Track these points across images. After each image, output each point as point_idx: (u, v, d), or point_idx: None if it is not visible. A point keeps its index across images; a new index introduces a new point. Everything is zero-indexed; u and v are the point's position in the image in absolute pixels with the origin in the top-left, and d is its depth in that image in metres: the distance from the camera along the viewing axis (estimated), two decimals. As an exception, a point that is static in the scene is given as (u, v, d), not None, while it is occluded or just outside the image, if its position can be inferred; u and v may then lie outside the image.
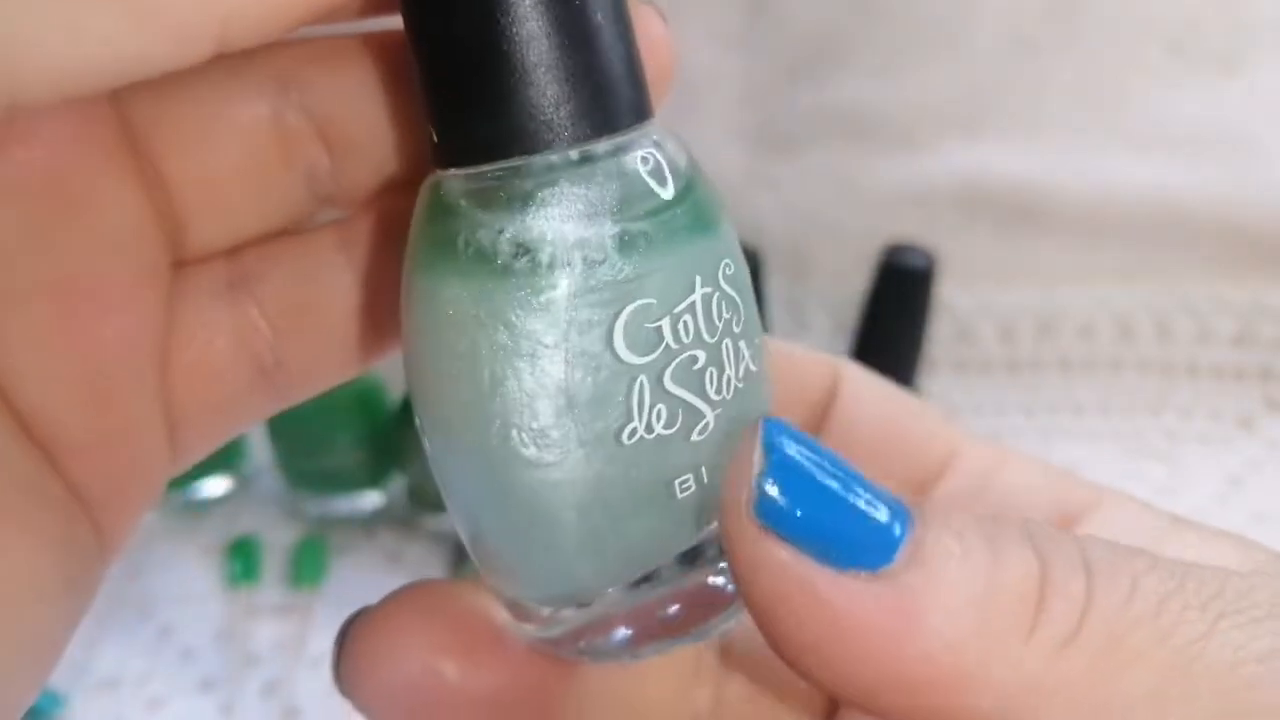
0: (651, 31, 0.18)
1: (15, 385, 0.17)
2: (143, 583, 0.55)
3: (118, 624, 0.53)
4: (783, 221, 0.61)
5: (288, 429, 0.55)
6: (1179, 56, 0.57)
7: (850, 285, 0.55)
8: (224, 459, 0.59)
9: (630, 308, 0.17)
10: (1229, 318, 0.61)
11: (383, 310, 0.20)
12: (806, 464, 0.16)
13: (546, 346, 0.17)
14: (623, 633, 0.19)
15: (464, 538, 0.19)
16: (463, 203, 0.17)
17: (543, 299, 0.17)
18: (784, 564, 0.16)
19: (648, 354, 0.17)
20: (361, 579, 0.55)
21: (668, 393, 0.17)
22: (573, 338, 0.17)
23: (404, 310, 0.18)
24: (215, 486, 0.59)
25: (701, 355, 0.17)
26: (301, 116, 0.19)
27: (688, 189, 0.18)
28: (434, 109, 0.17)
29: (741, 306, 0.18)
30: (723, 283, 0.18)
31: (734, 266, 0.18)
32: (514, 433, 0.17)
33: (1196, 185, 0.58)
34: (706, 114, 0.59)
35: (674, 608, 0.19)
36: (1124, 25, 0.57)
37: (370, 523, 0.57)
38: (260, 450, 0.60)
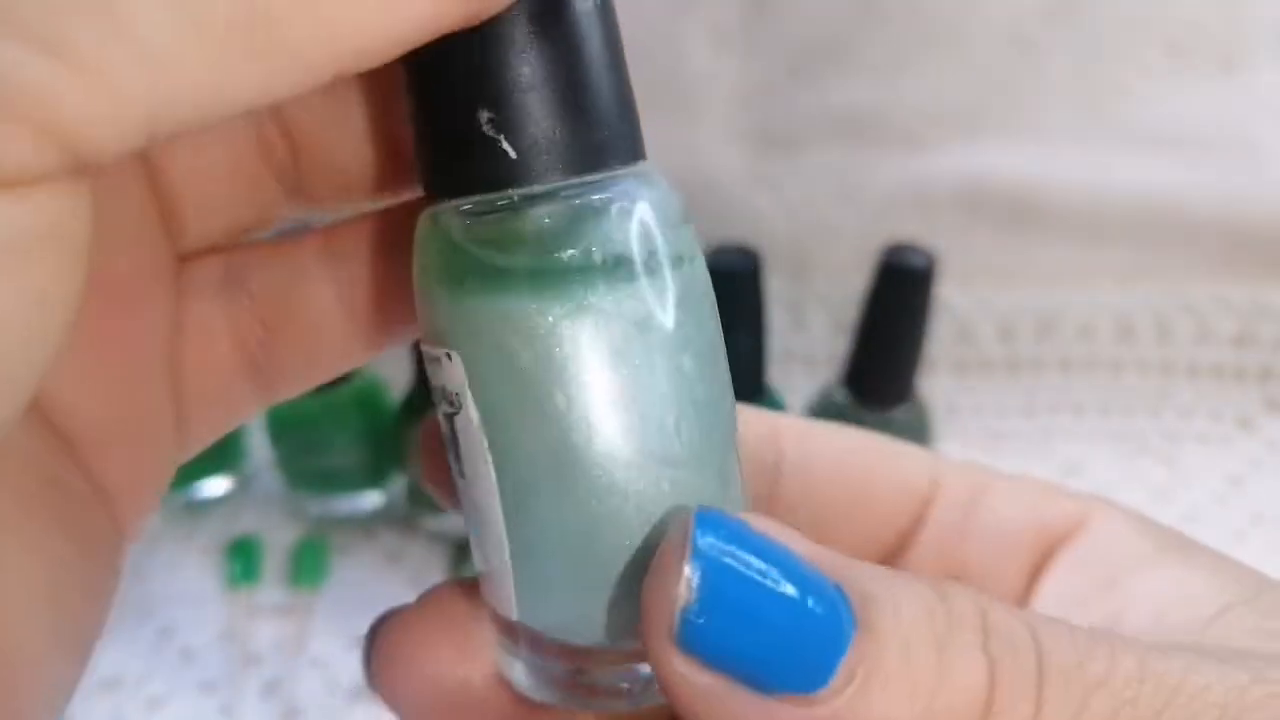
0: None
1: (45, 387, 0.17)
2: (143, 583, 0.55)
3: (118, 624, 0.53)
4: (783, 221, 0.61)
5: (288, 429, 0.55)
6: (1179, 56, 0.57)
7: (850, 285, 0.55)
8: (224, 459, 0.59)
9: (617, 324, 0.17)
10: (1229, 318, 0.61)
11: (365, 314, 0.21)
12: (736, 581, 0.15)
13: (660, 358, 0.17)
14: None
15: (503, 558, 0.18)
16: (464, 239, 0.17)
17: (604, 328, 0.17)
18: (710, 692, 0.15)
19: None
20: (362, 579, 0.55)
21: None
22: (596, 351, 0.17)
23: (449, 333, 0.18)
24: (215, 486, 0.59)
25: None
26: (278, 131, 0.20)
27: (671, 263, 0.17)
28: (433, 140, 0.17)
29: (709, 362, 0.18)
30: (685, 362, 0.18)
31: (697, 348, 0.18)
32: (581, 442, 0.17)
33: (1196, 185, 0.58)
34: (706, 114, 0.59)
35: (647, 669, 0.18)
36: (1124, 25, 0.57)
37: (370, 523, 0.57)
38: (260, 450, 0.60)
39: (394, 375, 0.55)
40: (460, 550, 0.55)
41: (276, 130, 0.20)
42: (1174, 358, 0.62)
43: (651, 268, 0.17)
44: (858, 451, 0.24)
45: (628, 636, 0.17)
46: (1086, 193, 0.59)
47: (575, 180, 0.17)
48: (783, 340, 0.61)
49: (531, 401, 0.17)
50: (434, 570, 0.55)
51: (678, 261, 0.17)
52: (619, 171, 0.17)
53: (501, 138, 0.16)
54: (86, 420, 0.18)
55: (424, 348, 0.18)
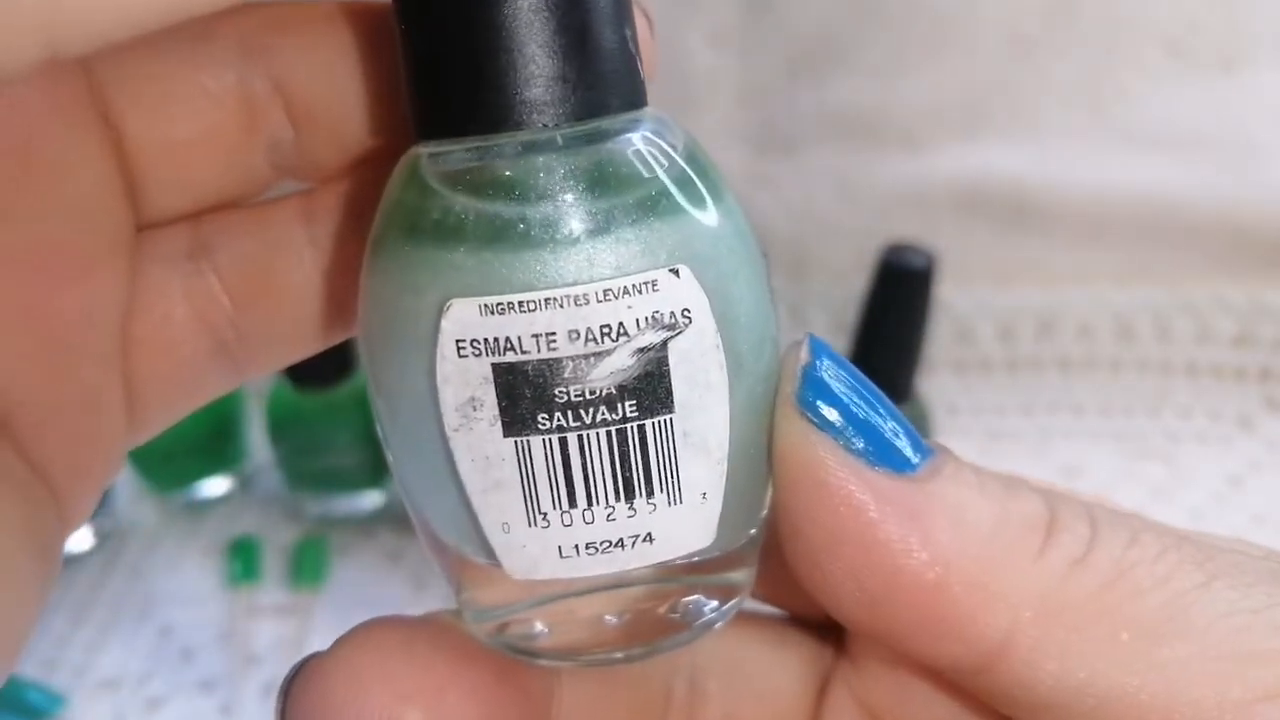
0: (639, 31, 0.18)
1: None
2: (143, 583, 0.55)
3: (118, 624, 0.53)
4: (783, 221, 0.61)
5: (288, 429, 0.55)
6: (1178, 57, 0.57)
7: (850, 285, 0.55)
8: (224, 459, 0.59)
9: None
10: (1229, 318, 0.61)
11: (344, 287, 0.20)
12: (845, 372, 0.18)
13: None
14: (539, 629, 0.18)
15: (715, 485, 0.18)
16: (437, 179, 0.17)
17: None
18: (822, 452, 0.17)
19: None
20: (361, 579, 0.55)
21: None
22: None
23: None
24: (215, 486, 0.59)
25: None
26: (267, 86, 0.19)
27: (680, 173, 0.17)
28: (416, 80, 0.17)
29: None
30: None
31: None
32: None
33: (1196, 185, 0.58)
34: (706, 114, 0.59)
35: (614, 618, 0.18)
36: (1124, 25, 0.57)
37: (370, 523, 0.57)
38: (260, 450, 0.60)
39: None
40: (460, 550, 0.56)
41: (267, 89, 0.19)
42: (1174, 358, 0.62)
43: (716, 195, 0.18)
44: None
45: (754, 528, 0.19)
46: (1086, 193, 0.59)
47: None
48: (782, 340, 0.61)
49: (749, 309, 0.18)
50: (434, 570, 0.55)
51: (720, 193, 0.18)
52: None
53: None
54: (21, 400, 0.17)
55: (597, 285, 0.17)
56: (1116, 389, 0.62)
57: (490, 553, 0.18)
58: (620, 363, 0.17)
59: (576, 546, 0.17)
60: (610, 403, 0.17)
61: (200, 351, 0.19)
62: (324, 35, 0.19)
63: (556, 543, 0.17)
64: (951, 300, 0.60)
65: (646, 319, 0.16)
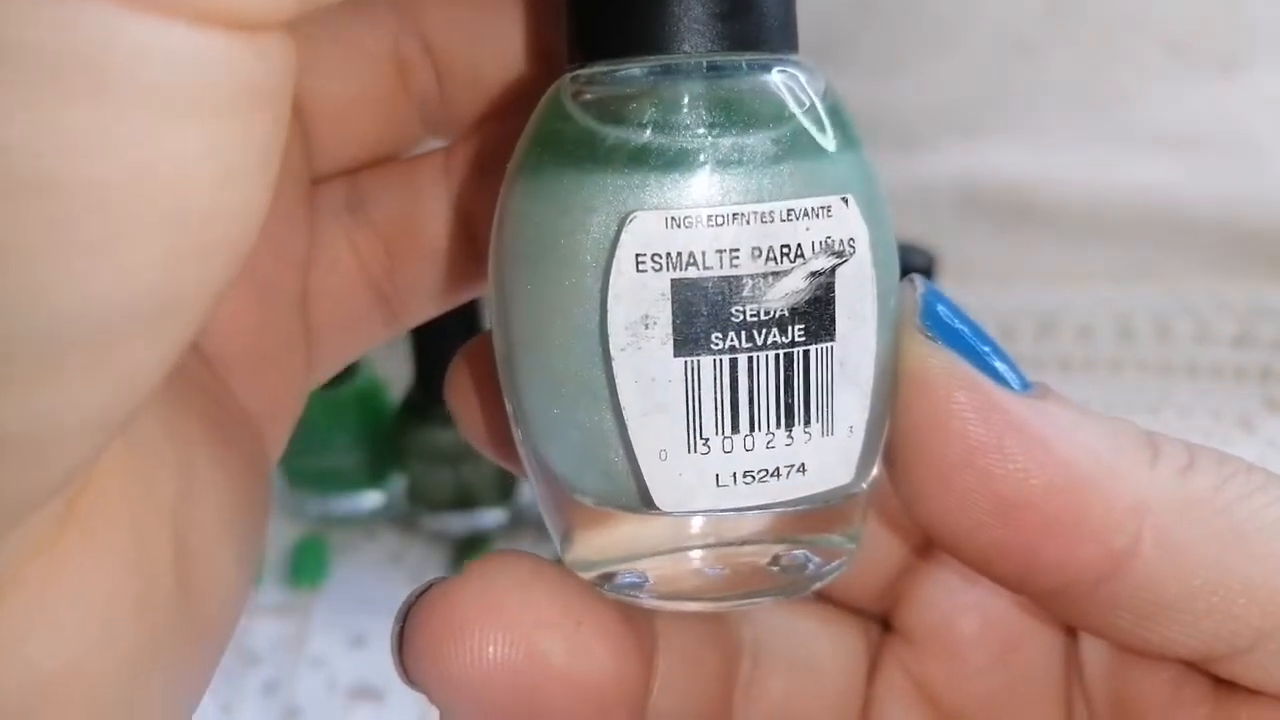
0: None
1: None
2: (143, 583, 0.55)
3: (118, 624, 0.53)
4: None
5: (288, 429, 0.55)
6: (1179, 57, 0.57)
7: (850, 285, 0.55)
8: (224, 459, 0.59)
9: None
10: (1229, 318, 0.61)
11: (481, 240, 0.20)
12: (954, 306, 0.18)
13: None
14: (645, 575, 0.18)
15: (860, 421, 0.18)
16: (596, 102, 0.17)
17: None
18: (951, 367, 0.17)
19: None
20: (361, 579, 0.55)
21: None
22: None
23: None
24: (215, 486, 0.59)
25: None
26: (419, 45, 0.20)
27: (834, 115, 0.18)
28: (577, 4, 0.17)
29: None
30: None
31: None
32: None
33: (1196, 185, 0.58)
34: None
35: (717, 570, 0.18)
36: (1124, 25, 0.57)
37: (370, 523, 0.57)
38: (260, 450, 0.60)
39: (394, 375, 0.55)
40: (459, 550, 0.56)
41: (418, 48, 0.20)
42: (1174, 358, 0.62)
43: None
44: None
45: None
46: (1086, 193, 0.59)
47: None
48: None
49: (889, 250, 0.18)
50: (434, 570, 0.55)
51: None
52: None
53: None
54: (232, 343, 0.18)
55: (782, 204, 0.17)
56: (1116, 389, 0.62)
57: (639, 485, 0.17)
58: (795, 284, 0.17)
59: (735, 475, 0.17)
60: (782, 325, 0.17)
61: (364, 299, 0.20)
62: None
63: (715, 470, 0.17)
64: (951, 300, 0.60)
65: (821, 243, 0.17)
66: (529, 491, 0.56)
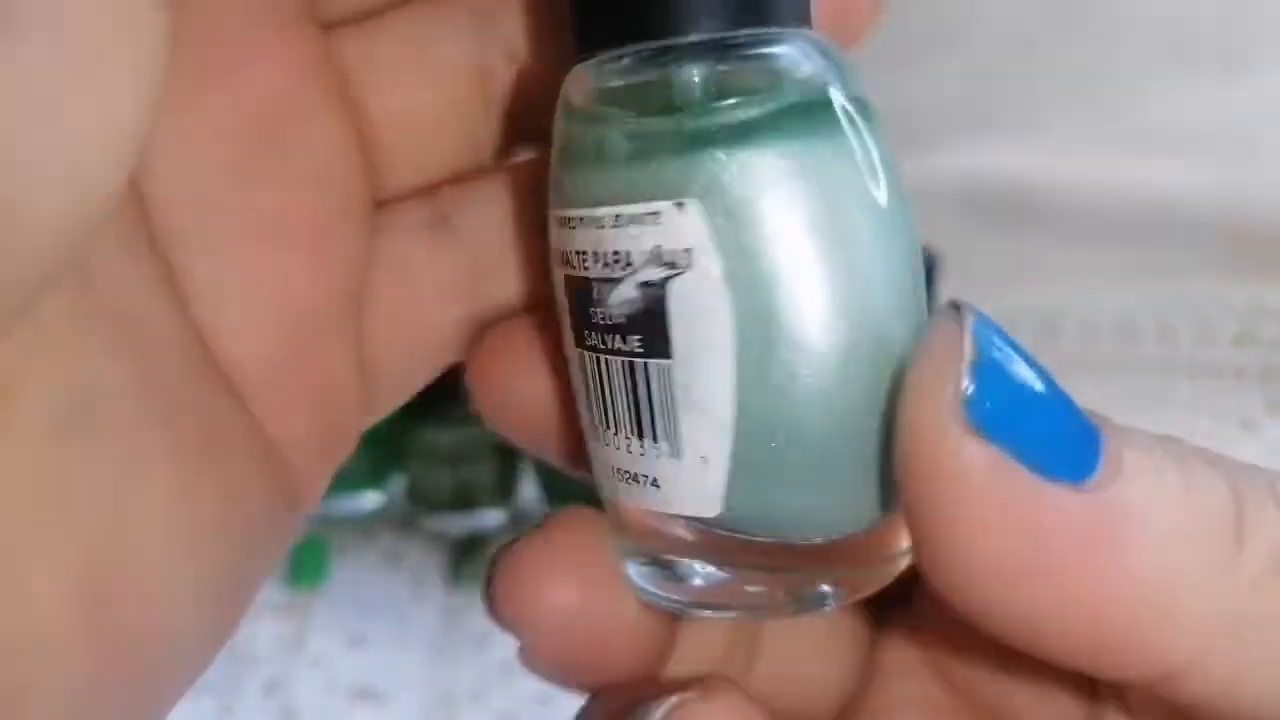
0: None
1: (216, 328, 0.16)
2: (142, 583, 0.55)
3: (117, 624, 0.53)
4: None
5: (288, 429, 0.55)
6: (1179, 57, 0.57)
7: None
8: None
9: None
10: (1229, 318, 0.61)
11: None
12: (1013, 359, 0.15)
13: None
14: (699, 582, 0.17)
15: (719, 443, 0.16)
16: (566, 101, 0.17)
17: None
18: (989, 468, 0.14)
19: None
20: (361, 579, 0.55)
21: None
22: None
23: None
24: (215, 486, 0.59)
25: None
26: (502, 56, 0.19)
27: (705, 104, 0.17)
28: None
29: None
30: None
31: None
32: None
33: (1197, 185, 0.58)
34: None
35: (759, 588, 0.17)
36: (1124, 25, 0.57)
37: (370, 523, 0.57)
38: (260, 450, 0.60)
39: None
40: (460, 550, 0.55)
41: (504, 63, 0.19)
42: (1174, 357, 0.61)
43: (853, 118, 0.17)
44: None
45: (862, 524, 0.17)
46: (1087, 192, 0.59)
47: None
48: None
49: (815, 274, 0.15)
50: (434, 570, 0.55)
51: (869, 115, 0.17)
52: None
53: None
54: (258, 368, 0.17)
55: (610, 209, 0.16)
56: (1117, 389, 0.62)
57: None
58: (628, 293, 0.16)
59: (614, 469, 0.17)
60: (622, 333, 0.16)
61: (445, 321, 0.19)
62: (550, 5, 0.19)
63: (608, 460, 0.17)
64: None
65: (648, 252, 0.16)
66: (529, 491, 0.56)
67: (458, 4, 0.19)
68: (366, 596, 0.53)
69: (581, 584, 0.18)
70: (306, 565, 0.55)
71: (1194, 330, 0.61)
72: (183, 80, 0.15)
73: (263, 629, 0.52)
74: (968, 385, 0.14)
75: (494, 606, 0.18)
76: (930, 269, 0.48)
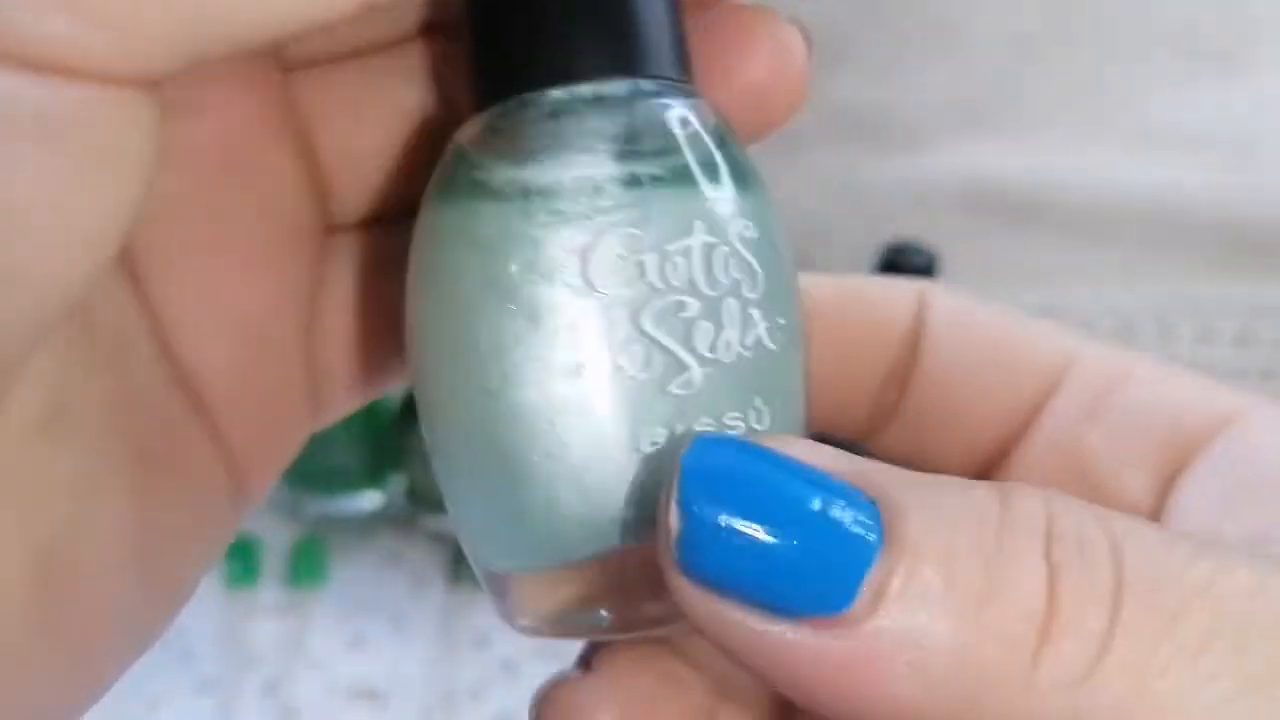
0: (787, 46, 0.19)
1: (176, 339, 0.18)
2: (142, 583, 0.55)
3: (117, 624, 0.53)
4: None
5: (287, 429, 0.55)
6: (1179, 56, 0.57)
7: (850, 285, 0.55)
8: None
9: (612, 236, 0.16)
10: (1229, 318, 0.61)
11: None
12: (738, 513, 0.14)
13: (515, 273, 0.17)
14: (602, 614, 0.18)
15: (449, 503, 0.19)
16: (468, 145, 0.18)
17: (514, 225, 0.17)
18: (731, 621, 0.14)
19: (625, 287, 0.16)
20: (361, 579, 0.55)
21: (643, 332, 0.16)
22: (539, 265, 0.16)
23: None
24: (215, 486, 0.59)
25: (693, 304, 0.17)
26: (445, 105, 0.20)
27: (714, 146, 0.18)
28: (467, 61, 0.18)
29: (761, 276, 0.17)
30: (735, 241, 0.17)
31: (756, 232, 0.17)
32: (480, 362, 0.17)
33: (1197, 185, 0.58)
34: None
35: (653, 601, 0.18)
36: (1124, 25, 0.57)
37: (370, 523, 0.57)
38: (260, 450, 0.60)
39: (394, 375, 0.55)
40: (460, 550, 0.56)
41: (445, 107, 0.20)
42: (1174, 357, 0.61)
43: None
44: (994, 325, 0.22)
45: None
46: (1087, 192, 0.59)
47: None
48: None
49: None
50: (434, 570, 0.55)
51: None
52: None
53: None
54: (215, 377, 0.18)
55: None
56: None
57: None
58: None
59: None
60: None
61: (391, 343, 0.20)
62: None
63: None
64: (952, 300, 0.60)
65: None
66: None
67: (409, 58, 0.20)
68: (366, 596, 0.53)
69: (634, 714, 0.18)
70: (306, 565, 0.55)
71: (1194, 330, 0.61)
72: None
73: (263, 629, 0.52)
74: (677, 530, 0.14)
75: None
76: (929, 269, 0.48)
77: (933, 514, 0.14)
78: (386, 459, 0.56)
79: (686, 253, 0.17)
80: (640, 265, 0.16)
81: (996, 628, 0.13)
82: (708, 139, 0.18)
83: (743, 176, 0.18)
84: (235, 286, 0.18)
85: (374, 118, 0.20)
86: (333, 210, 0.20)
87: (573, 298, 0.16)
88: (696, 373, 0.17)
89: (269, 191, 0.19)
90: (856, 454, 0.21)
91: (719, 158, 0.18)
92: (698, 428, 0.16)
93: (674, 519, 0.14)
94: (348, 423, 0.55)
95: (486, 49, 0.18)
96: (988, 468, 0.22)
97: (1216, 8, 0.56)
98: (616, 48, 0.17)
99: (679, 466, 0.14)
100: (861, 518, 0.14)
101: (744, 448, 0.15)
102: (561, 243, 0.16)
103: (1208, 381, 0.20)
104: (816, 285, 0.23)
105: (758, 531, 0.14)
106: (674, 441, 0.16)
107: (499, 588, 0.19)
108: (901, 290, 0.23)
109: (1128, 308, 0.61)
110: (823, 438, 0.20)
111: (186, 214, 0.18)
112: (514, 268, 0.17)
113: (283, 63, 0.19)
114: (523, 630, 0.19)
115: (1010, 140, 0.59)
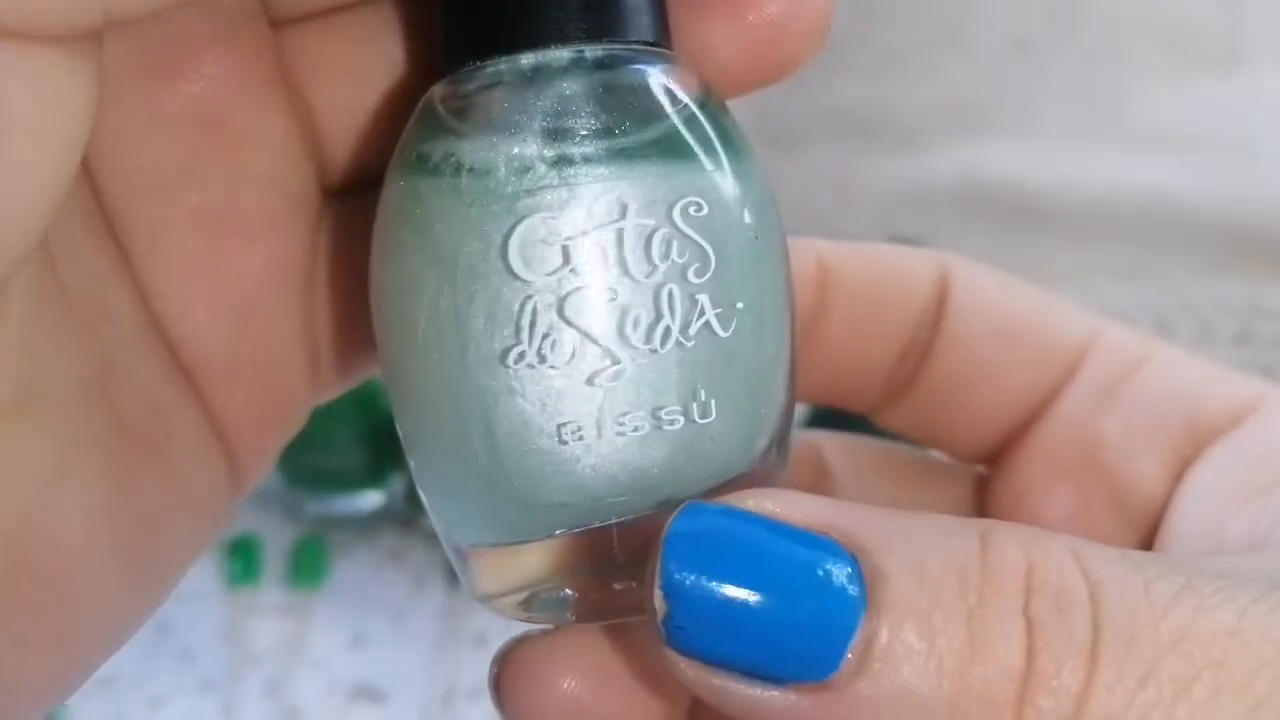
0: None
1: (165, 311, 0.17)
2: (143, 582, 0.55)
3: (118, 624, 0.53)
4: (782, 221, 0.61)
5: (288, 429, 0.55)
6: (1178, 56, 0.57)
7: (850, 285, 0.55)
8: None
9: (535, 219, 0.16)
10: (1229, 318, 0.61)
11: None
12: (721, 587, 0.14)
13: (446, 253, 0.16)
14: (566, 594, 0.18)
15: (414, 476, 0.19)
16: (418, 116, 0.17)
17: (446, 203, 0.16)
18: (719, 690, 0.14)
19: (547, 273, 0.16)
20: (361, 579, 0.55)
21: (567, 321, 0.16)
22: (467, 246, 0.16)
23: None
24: (215, 486, 0.59)
25: (623, 291, 0.16)
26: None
27: (675, 117, 0.17)
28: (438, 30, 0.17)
29: (712, 258, 0.16)
30: (678, 221, 0.16)
31: (705, 209, 0.16)
32: (422, 344, 0.16)
33: (1196, 185, 0.58)
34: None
35: (620, 584, 0.17)
36: (1123, 25, 0.57)
37: (370, 523, 0.57)
38: (260, 450, 0.60)
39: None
40: (460, 550, 0.56)
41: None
42: (1174, 357, 0.62)
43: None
44: (1014, 304, 0.22)
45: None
46: (1086, 192, 0.59)
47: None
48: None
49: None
50: (434, 570, 0.55)
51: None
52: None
53: None
54: (208, 350, 0.18)
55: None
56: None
57: None
58: None
59: None
60: None
61: None
62: None
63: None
64: (952, 300, 0.60)
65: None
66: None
67: (402, 9, 0.19)
68: (366, 596, 0.53)
69: (589, 674, 0.18)
70: (306, 565, 0.55)
71: (1194, 330, 0.61)
72: (132, 72, 0.16)
73: (263, 629, 0.52)
74: (663, 608, 0.14)
75: (501, 700, 0.19)
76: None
77: (914, 572, 0.14)
78: (386, 459, 0.56)
79: (618, 236, 0.16)
80: (564, 250, 0.16)
81: (978, 688, 0.13)
82: (668, 109, 0.17)
83: (709, 147, 0.17)
84: (229, 257, 0.18)
85: (368, 72, 0.19)
86: (331, 171, 0.19)
87: (498, 283, 0.16)
88: (626, 363, 0.16)
89: (262, 156, 0.18)
90: (860, 433, 0.21)
91: (679, 129, 0.17)
92: (628, 420, 0.16)
93: (659, 601, 0.14)
94: (348, 423, 0.55)
95: (444, 17, 0.17)
96: (999, 450, 0.22)
97: (1216, 8, 0.56)
98: (558, 13, 0.16)
99: (661, 546, 0.14)
100: (842, 577, 0.14)
101: (724, 517, 0.15)
102: (487, 225, 0.16)
103: (1226, 371, 0.20)
104: (835, 251, 0.22)
105: (742, 603, 0.14)
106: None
107: (460, 560, 0.18)
108: (923, 259, 0.22)
109: (1128, 307, 0.61)
110: (828, 411, 0.20)
111: (174, 183, 0.17)
112: (446, 248, 0.16)
113: (271, 16, 0.18)
114: (484, 602, 0.18)
115: (1010, 140, 0.59)
